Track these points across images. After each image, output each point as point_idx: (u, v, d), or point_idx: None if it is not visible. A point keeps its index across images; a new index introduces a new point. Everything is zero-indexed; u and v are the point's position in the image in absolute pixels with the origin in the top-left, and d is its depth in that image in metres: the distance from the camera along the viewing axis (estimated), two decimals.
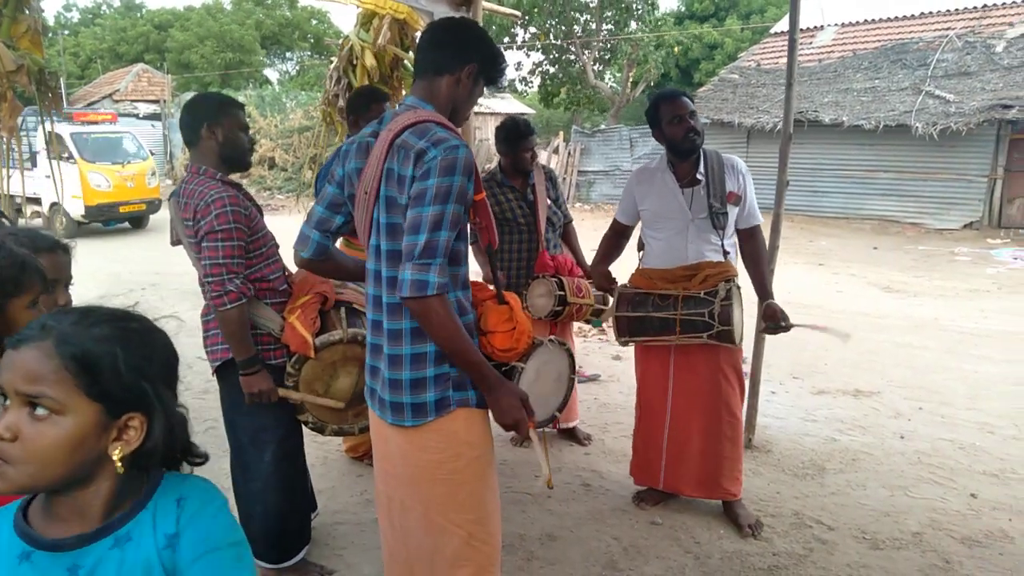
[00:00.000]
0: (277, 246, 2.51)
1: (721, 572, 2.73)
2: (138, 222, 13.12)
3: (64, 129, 12.00)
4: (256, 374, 2.33)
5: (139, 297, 7.63)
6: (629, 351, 3.45)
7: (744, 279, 2.94)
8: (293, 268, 2.58)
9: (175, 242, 2.49)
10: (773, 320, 2.84)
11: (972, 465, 3.67)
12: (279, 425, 2.50)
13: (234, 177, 2.47)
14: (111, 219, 12.51)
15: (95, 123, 13.43)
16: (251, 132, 2.54)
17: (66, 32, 32.80)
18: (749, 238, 3.02)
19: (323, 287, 2.50)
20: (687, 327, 2.82)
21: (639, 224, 3.14)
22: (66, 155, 11.66)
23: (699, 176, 2.91)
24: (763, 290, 2.95)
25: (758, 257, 3.01)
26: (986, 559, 2.83)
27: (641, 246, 3.14)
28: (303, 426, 2.57)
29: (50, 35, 26.87)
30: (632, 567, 2.76)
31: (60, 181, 10.78)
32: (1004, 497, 3.32)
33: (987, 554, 2.86)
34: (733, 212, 2.93)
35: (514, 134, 3.61)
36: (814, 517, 3.13)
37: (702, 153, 2.93)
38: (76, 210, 11.92)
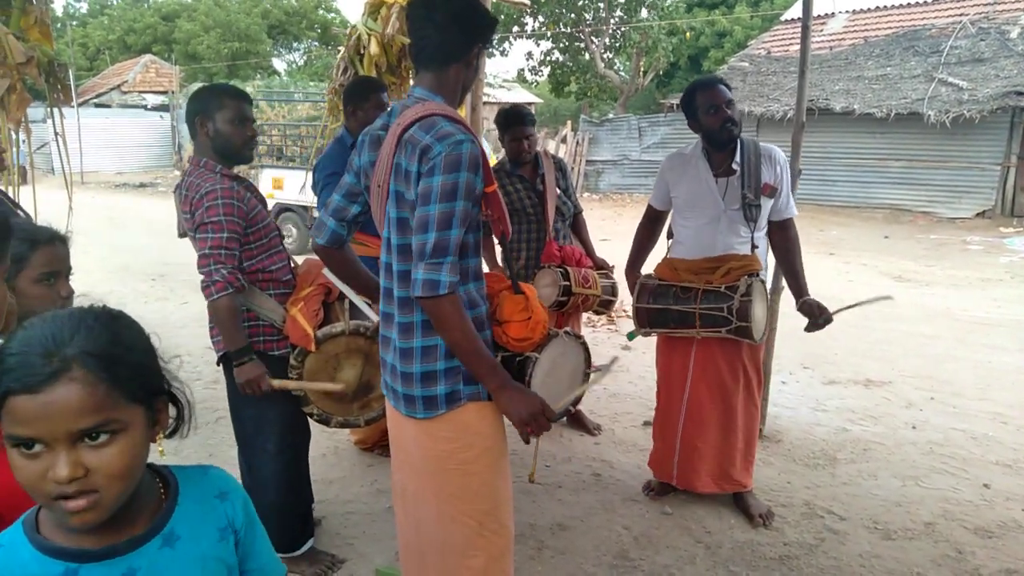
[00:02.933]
0: (281, 237, 2.51)
1: (732, 562, 2.73)
2: None
3: None
4: (247, 364, 2.31)
5: (148, 288, 7.67)
6: (638, 342, 3.44)
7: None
8: (299, 259, 2.60)
9: (182, 235, 2.49)
10: (811, 317, 2.79)
11: (985, 455, 3.65)
12: (283, 416, 2.49)
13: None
14: None
15: None
16: (258, 122, 2.50)
17: (75, 23, 32.84)
18: (782, 231, 2.91)
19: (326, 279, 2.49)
20: (706, 321, 2.74)
21: (672, 211, 3.06)
22: None
23: (734, 166, 2.80)
24: (798, 287, 2.86)
25: (791, 251, 2.90)
26: (999, 549, 2.81)
27: (671, 234, 3.06)
28: (309, 419, 2.57)
29: (59, 26, 26.93)
30: (643, 557, 2.76)
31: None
32: (1017, 487, 3.31)
33: (1000, 544, 2.85)
34: (767, 205, 2.82)
35: (507, 118, 3.60)
36: (825, 507, 3.12)
37: (739, 142, 2.82)
38: None
